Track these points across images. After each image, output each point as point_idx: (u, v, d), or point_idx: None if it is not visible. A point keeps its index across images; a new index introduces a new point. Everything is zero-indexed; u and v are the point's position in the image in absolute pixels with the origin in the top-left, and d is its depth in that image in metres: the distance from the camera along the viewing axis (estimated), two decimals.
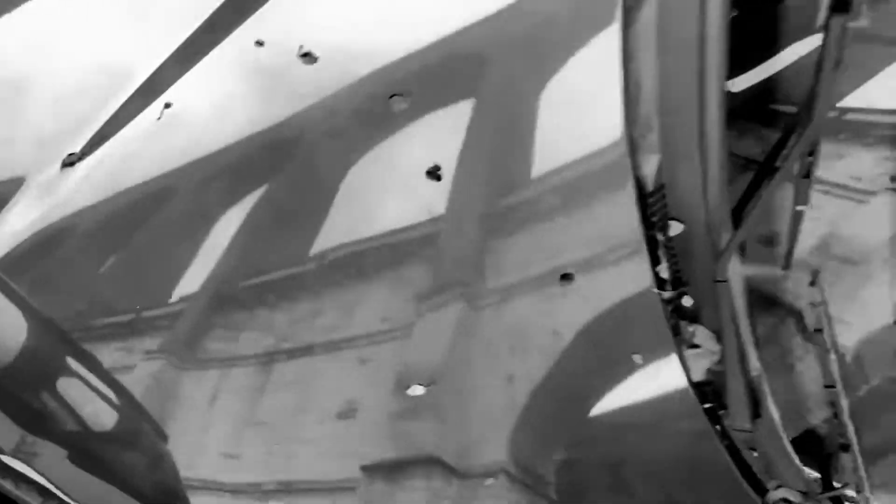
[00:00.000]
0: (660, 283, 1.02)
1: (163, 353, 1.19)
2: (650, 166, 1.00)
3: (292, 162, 1.19)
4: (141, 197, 1.23)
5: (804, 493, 1.11)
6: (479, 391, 1.12)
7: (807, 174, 0.94)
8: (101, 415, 1.18)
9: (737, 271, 1.02)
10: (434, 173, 1.08)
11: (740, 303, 1.03)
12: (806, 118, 0.88)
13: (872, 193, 1.39)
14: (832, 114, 1.47)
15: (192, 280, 1.19)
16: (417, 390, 1.10)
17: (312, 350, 1.16)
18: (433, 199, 1.11)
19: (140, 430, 1.19)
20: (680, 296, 1.04)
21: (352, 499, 1.16)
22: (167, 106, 1.21)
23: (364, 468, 1.14)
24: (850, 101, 1.45)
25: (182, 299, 1.20)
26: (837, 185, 1.41)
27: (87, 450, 1.17)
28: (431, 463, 1.13)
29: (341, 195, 1.15)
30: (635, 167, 1.00)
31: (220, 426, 1.17)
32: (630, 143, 0.99)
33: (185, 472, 1.18)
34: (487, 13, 1.11)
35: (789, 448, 1.10)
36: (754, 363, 1.05)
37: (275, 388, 1.16)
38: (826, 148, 1.46)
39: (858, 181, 1.41)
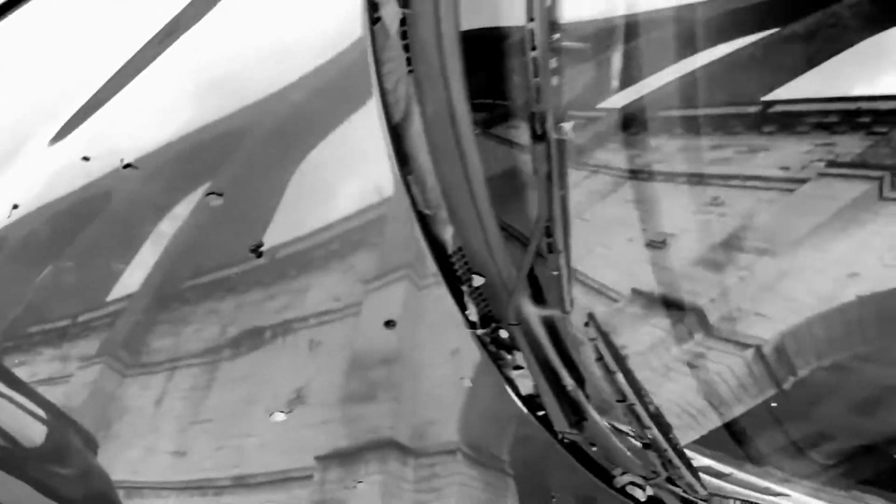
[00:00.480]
0: (471, 324, 1.28)
1: (105, 355, 1.23)
2: (447, 234, 1.24)
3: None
4: (78, 202, 1.30)
5: (645, 477, 1.32)
6: (429, 371, 1.23)
7: (551, 250, 1.11)
8: (30, 430, 1.21)
9: (532, 312, 1.24)
10: (256, 250, 1.26)
11: (542, 336, 1.24)
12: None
13: (801, 182, 1.41)
14: (754, 109, 1.49)
15: (132, 281, 1.25)
16: (279, 417, 1.19)
17: (260, 339, 1.20)
18: (382, 181, 1.22)
19: (69, 444, 1.21)
20: (495, 330, 1.28)
21: (308, 489, 1.18)
22: (15, 207, 1.33)
23: (318, 458, 1.18)
24: (780, 93, 1.46)
25: (122, 300, 1.24)
26: (756, 178, 1.45)
27: (15, 466, 1.19)
28: (386, 446, 1.18)
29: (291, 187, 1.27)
30: (432, 236, 1.22)
31: (165, 426, 1.20)
32: (423, 218, 1.22)
33: (131, 476, 1.20)
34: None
35: (619, 445, 1.30)
36: (568, 380, 1.26)
37: (221, 383, 1.19)
38: (750, 142, 1.50)
39: (787, 170, 1.43)
